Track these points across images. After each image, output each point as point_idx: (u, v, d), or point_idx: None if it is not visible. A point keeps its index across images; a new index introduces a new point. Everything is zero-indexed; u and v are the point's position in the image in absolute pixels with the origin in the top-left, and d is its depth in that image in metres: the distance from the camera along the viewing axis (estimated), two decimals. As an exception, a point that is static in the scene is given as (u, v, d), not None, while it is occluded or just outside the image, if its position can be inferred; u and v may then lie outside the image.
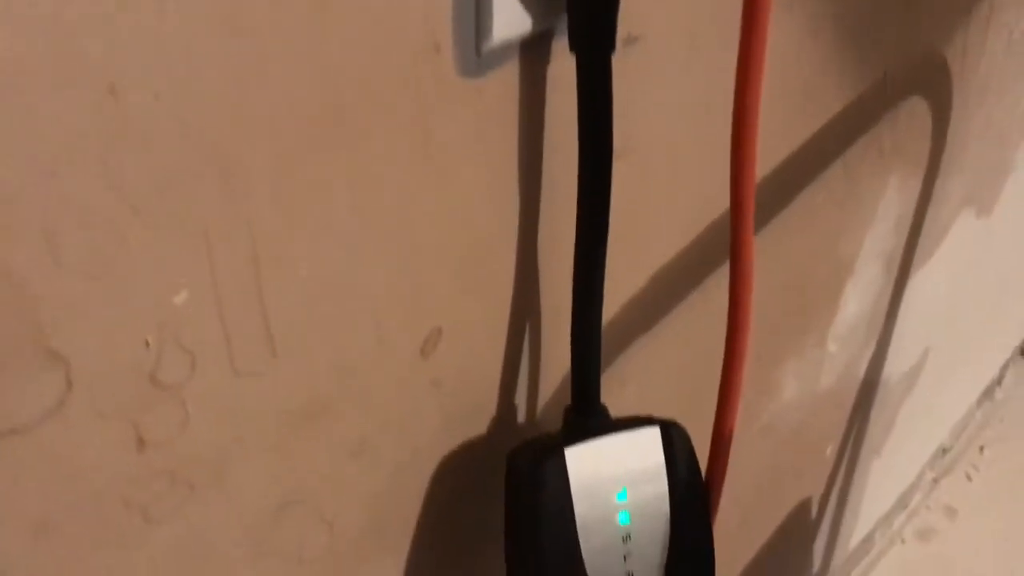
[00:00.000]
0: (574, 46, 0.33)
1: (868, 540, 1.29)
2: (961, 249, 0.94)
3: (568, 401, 0.40)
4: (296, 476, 0.33)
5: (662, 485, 0.39)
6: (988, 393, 1.65)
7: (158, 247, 0.25)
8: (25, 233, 0.22)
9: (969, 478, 1.53)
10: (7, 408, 0.24)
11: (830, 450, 0.91)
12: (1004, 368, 1.69)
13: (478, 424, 0.41)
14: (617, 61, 0.33)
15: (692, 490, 0.40)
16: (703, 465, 0.42)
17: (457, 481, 0.41)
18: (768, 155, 0.52)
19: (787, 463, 0.82)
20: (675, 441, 0.39)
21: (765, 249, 0.57)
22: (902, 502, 1.38)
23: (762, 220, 0.56)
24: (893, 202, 0.72)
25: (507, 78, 0.33)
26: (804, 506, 0.91)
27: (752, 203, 0.35)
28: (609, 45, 0.32)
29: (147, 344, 0.26)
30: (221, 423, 0.30)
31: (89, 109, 0.22)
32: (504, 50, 0.33)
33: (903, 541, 1.41)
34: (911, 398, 1.07)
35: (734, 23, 0.32)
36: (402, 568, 0.42)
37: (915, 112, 0.67)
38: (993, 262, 1.10)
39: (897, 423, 1.07)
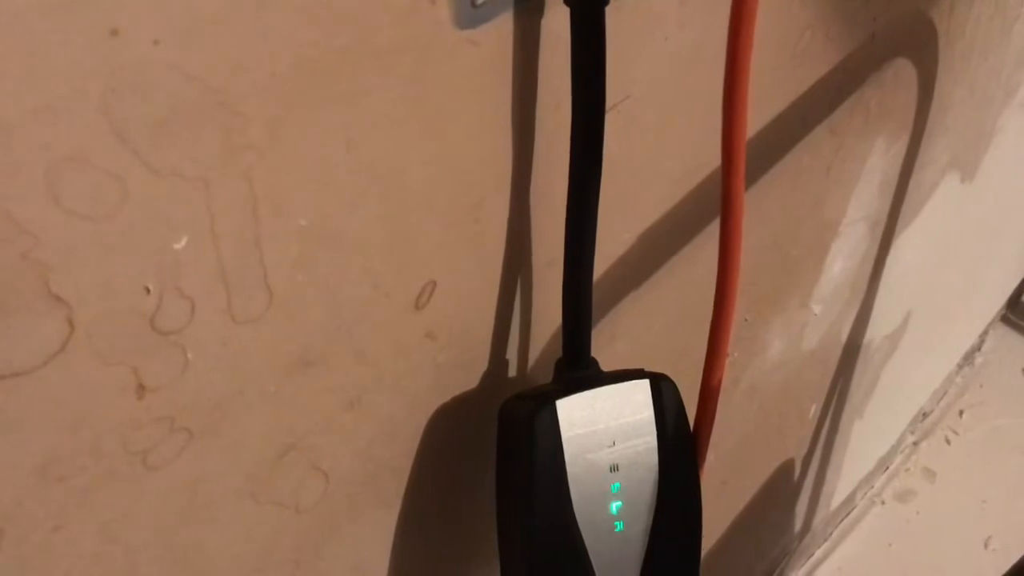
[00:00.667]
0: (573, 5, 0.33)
1: (849, 501, 1.31)
2: (943, 214, 0.94)
3: (559, 354, 0.40)
4: (293, 425, 0.34)
5: (651, 437, 0.40)
6: (968, 358, 1.67)
7: (158, 193, 0.25)
8: (26, 172, 0.23)
9: (948, 441, 1.55)
10: (10, 351, 0.24)
11: (813, 411, 0.92)
12: (984, 334, 1.71)
13: (471, 377, 0.41)
14: (611, 12, 0.33)
15: (680, 442, 0.40)
16: (691, 418, 0.43)
17: (450, 433, 0.42)
18: (756, 115, 0.53)
19: (771, 424, 0.83)
20: (664, 394, 0.40)
21: (750, 210, 0.57)
22: (882, 464, 1.40)
23: (748, 180, 0.56)
24: (878, 165, 0.72)
25: (502, 30, 0.33)
26: (787, 466, 0.92)
27: (743, 157, 0.35)
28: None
29: (147, 290, 0.27)
30: (219, 370, 0.30)
31: (91, 50, 0.22)
32: (499, 1, 0.33)
33: (883, 502, 1.43)
34: (893, 361, 1.08)
35: (727, -24, 0.32)
36: (395, 518, 0.42)
37: (902, 73, 0.67)
38: (973, 228, 1.11)
39: (879, 386, 1.09)
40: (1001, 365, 1.71)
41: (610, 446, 0.39)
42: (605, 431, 0.39)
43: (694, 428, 0.43)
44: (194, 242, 0.27)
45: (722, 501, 0.82)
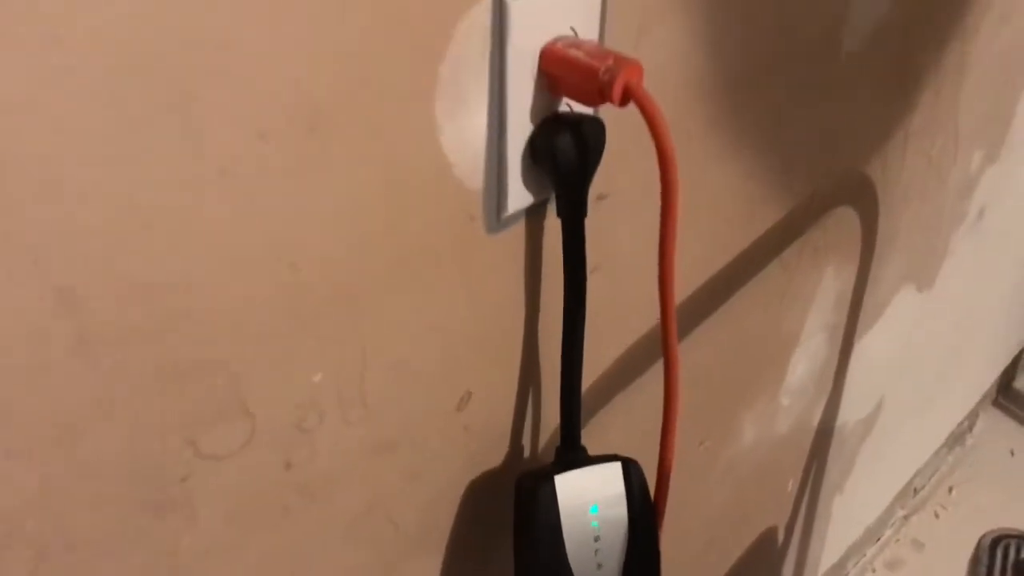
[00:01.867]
0: (559, 213, 0.49)
1: (840, 567, 1.43)
2: (905, 317, 1.09)
3: (559, 442, 0.56)
4: (376, 490, 0.50)
5: (622, 503, 0.55)
6: (959, 439, 1.79)
7: (310, 348, 0.42)
8: (233, 332, 0.39)
9: (937, 515, 1.67)
10: (215, 444, 0.41)
11: (791, 486, 1.06)
12: (974, 416, 1.83)
13: (495, 458, 0.57)
14: (592, 210, 0.50)
15: (643, 508, 0.56)
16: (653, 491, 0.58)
17: (480, 499, 0.57)
18: (718, 258, 0.69)
19: (751, 496, 0.97)
20: (631, 472, 0.55)
21: (718, 328, 0.73)
22: (872, 535, 1.52)
23: (714, 306, 0.72)
24: (831, 287, 0.88)
25: (518, 233, 0.50)
26: (770, 533, 1.06)
27: (674, 324, 0.51)
28: (582, 213, 0.49)
29: (296, 406, 0.43)
30: (333, 454, 0.46)
31: (275, 279, 0.39)
32: (515, 215, 0.49)
33: (873, 570, 1.55)
34: (869, 442, 1.22)
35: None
36: (440, 562, 0.58)
37: (843, 217, 0.83)
38: (943, 325, 1.25)
39: (857, 464, 1.22)
40: (991, 446, 1.83)
41: (592, 509, 0.54)
42: (589, 498, 0.54)
43: (654, 497, 0.58)
44: (326, 376, 0.43)
45: (709, 559, 0.96)
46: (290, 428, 0.43)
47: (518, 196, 0.48)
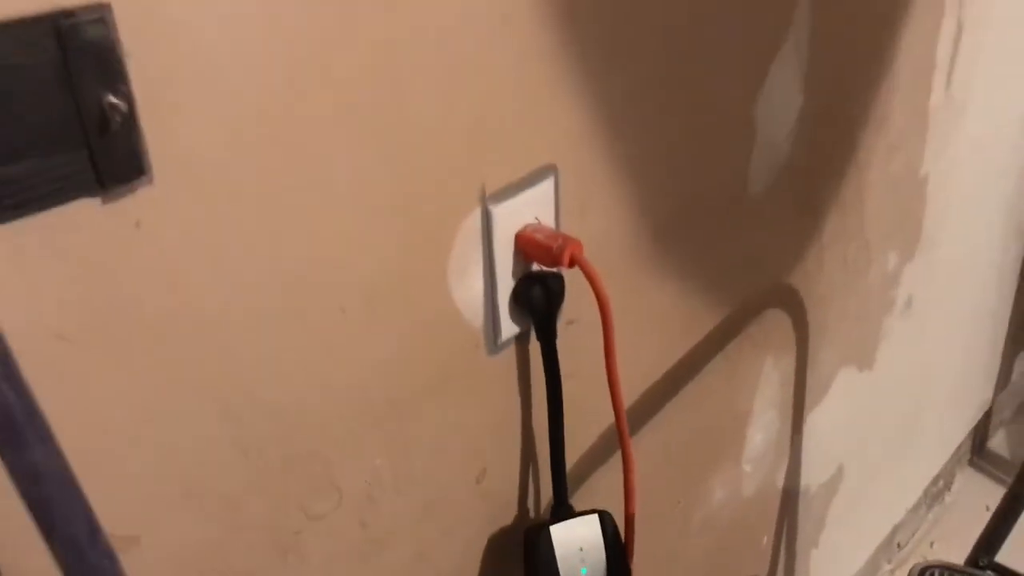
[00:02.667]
0: (538, 338, 0.70)
1: (830, 618, 1.58)
2: (851, 393, 1.28)
3: (552, 502, 0.76)
4: (421, 543, 0.70)
5: (600, 543, 0.74)
6: (937, 497, 1.95)
7: (374, 442, 0.62)
8: (327, 434, 0.60)
9: (920, 568, 1.82)
10: (317, 508, 0.61)
11: (766, 541, 1.24)
12: (950, 476, 1.99)
13: (508, 516, 0.77)
14: (564, 333, 0.70)
15: (616, 546, 0.75)
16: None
17: (498, 547, 0.77)
18: (670, 356, 0.89)
19: (728, 548, 1.15)
20: (606, 520, 0.75)
21: (680, 410, 0.93)
22: (860, 587, 1.68)
23: (673, 393, 0.92)
24: (772, 373, 1.08)
25: (511, 354, 0.71)
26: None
27: (623, 413, 0.71)
28: (553, 337, 0.70)
29: (366, 482, 0.63)
30: (392, 516, 0.66)
31: (352, 399, 0.60)
32: (507, 341, 0.70)
33: (864, 620, 1.70)
34: (837, 503, 1.39)
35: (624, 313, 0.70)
36: (472, 597, 0.77)
37: (774, 317, 1.04)
38: (895, 398, 1.44)
39: (829, 522, 1.40)
40: (968, 503, 1.99)
41: (580, 550, 0.74)
42: (577, 541, 0.74)
43: (624, 537, 0.77)
44: (383, 462, 0.64)
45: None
46: (363, 497, 0.63)
47: (508, 329, 0.69)
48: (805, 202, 1.01)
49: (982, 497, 2.01)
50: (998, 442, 2.18)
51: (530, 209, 0.67)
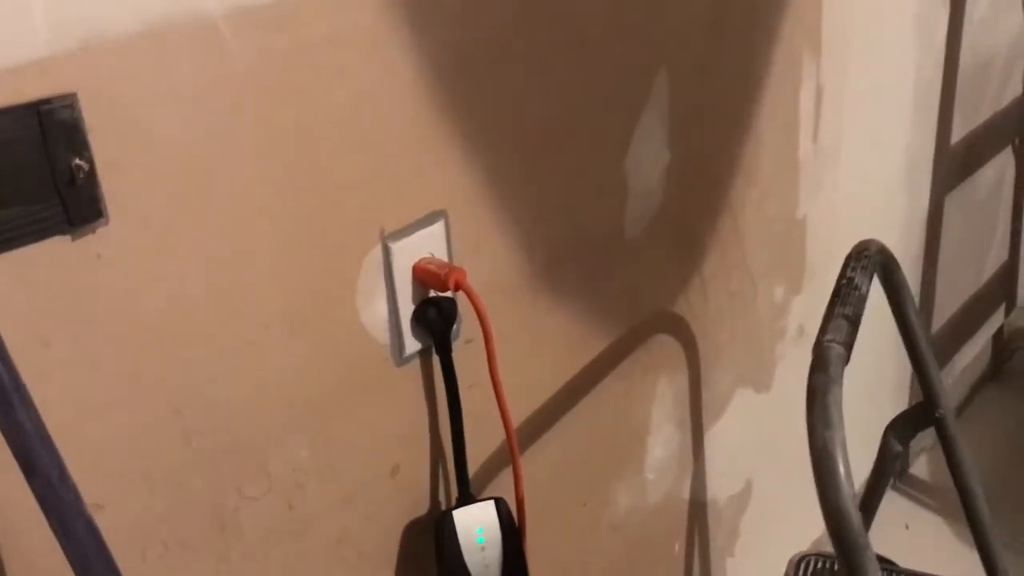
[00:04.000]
0: (437, 352, 0.84)
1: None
2: (749, 413, 1.42)
3: (457, 493, 0.89)
4: (344, 528, 0.82)
5: (497, 526, 0.87)
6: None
7: (299, 438, 0.76)
8: (261, 429, 0.73)
9: (843, 582, 1.94)
10: (251, 491, 0.74)
11: (678, 548, 1.36)
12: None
13: (423, 506, 0.90)
14: (464, 349, 0.85)
15: (510, 529, 0.88)
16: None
17: (414, 532, 0.89)
18: (565, 372, 1.03)
19: (641, 553, 1.27)
20: (500, 506, 0.88)
21: (580, 419, 1.06)
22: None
23: (569, 405, 1.06)
24: (667, 391, 1.22)
25: (415, 366, 0.85)
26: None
27: (510, 419, 0.85)
28: (449, 351, 0.84)
29: (294, 470, 0.76)
30: (317, 501, 0.79)
31: (281, 401, 0.74)
32: (411, 355, 0.84)
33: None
34: (750, 515, 1.52)
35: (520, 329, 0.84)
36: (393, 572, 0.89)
37: (663, 341, 1.18)
38: (795, 420, 1.57)
39: (742, 533, 1.52)
40: (889, 522, 2.11)
41: (479, 530, 0.87)
42: (476, 523, 0.87)
43: (517, 520, 0.90)
44: (309, 455, 0.77)
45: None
46: (290, 483, 0.77)
47: (411, 344, 0.83)
48: (682, 242, 1.16)
49: (902, 517, 2.15)
50: (919, 467, 2.32)
51: (425, 245, 0.82)
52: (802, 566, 1.13)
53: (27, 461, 0.51)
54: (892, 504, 2.18)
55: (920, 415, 1.04)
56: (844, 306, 0.77)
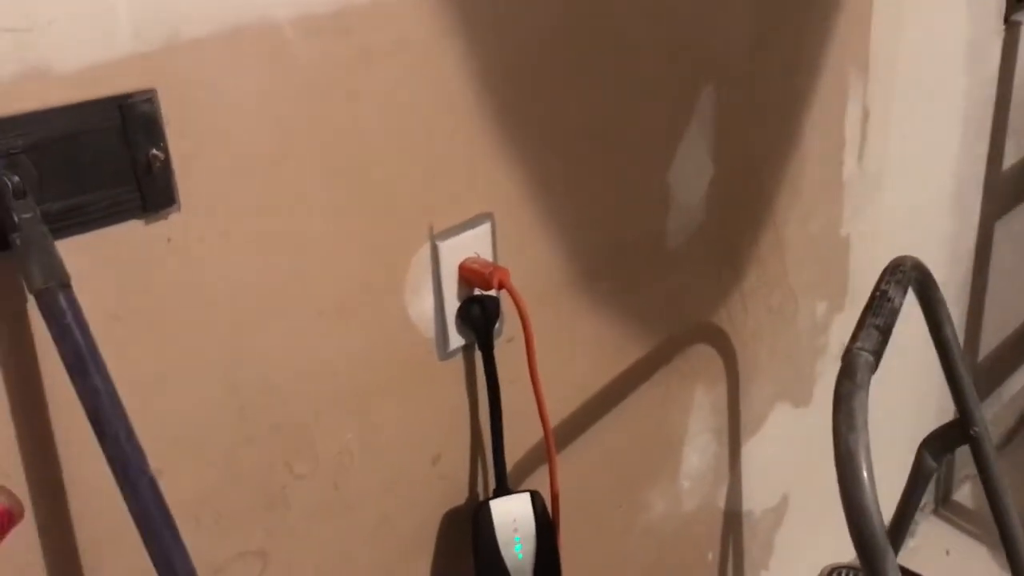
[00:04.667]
0: (480, 348, 0.88)
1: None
2: (786, 427, 1.43)
3: (495, 484, 0.92)
4: (386, 511, 0.86)
5: (531, 518, 0.90)
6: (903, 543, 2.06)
7: (346, 422, 0.80)
8: (310, 411, 0.77)
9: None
10: (300, 468, 0.78)
11: (711, 556, 1.38)
12: (914, 524, 2.10)
13: (461, 495, 0.93)
14: (505, 347, 0.88)
15: (544, 522, 0.91)
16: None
17: (453, 520, 0.93)
18: (601, 377, 1.06)
19: (673, 560, 1.29)
20: (536, 498, 0.91)
21: (613, 422, 1.09)
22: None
23: (607, 407, 1.08)
24: (704, 401, 1.24)
25: (458, 360, 0.88)
26: (699, 594, 1.37)
27: (546, 414, 0.88)
28: (491, 348, 0.87)
29: (339, 452, 0.80)
30: (360, 483, 0.83)
31: (330, 388, 0.78)
32: (455, 351, 0.88)
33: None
34: (785, 530, 1.53)
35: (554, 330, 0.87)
36: (429, 562, 0.92)
37: (702, 351, 1.20)
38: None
39: (777, 547, 1.53)
40: (928, 549, 2.09)
41: (514, 521, 0.90)
42: (513, 515, 0.90)
43: (552, 514, 0.93)
44: (353, 437, 0.81)
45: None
46: (336, 464, 0.81)
47: (455, 339, 0.87)
48: (724, 255, 1.18)
49: (943, 543, 2.12)
50: (963, 495, 2.29)
51: (471, 245, 0.85)
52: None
53: (99, 422, 0.55)
54: (934, 529, 2.15)
55: (955, 433, 1.05)
56: (876, 316, 0.78)
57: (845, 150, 1.33)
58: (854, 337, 0.76)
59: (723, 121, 1.09)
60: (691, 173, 1.07)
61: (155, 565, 0.57)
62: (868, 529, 0.64)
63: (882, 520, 0.67)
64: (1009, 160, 1.81)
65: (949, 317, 0.99)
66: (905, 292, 0.84)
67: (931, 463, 1.05)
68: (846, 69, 1.27)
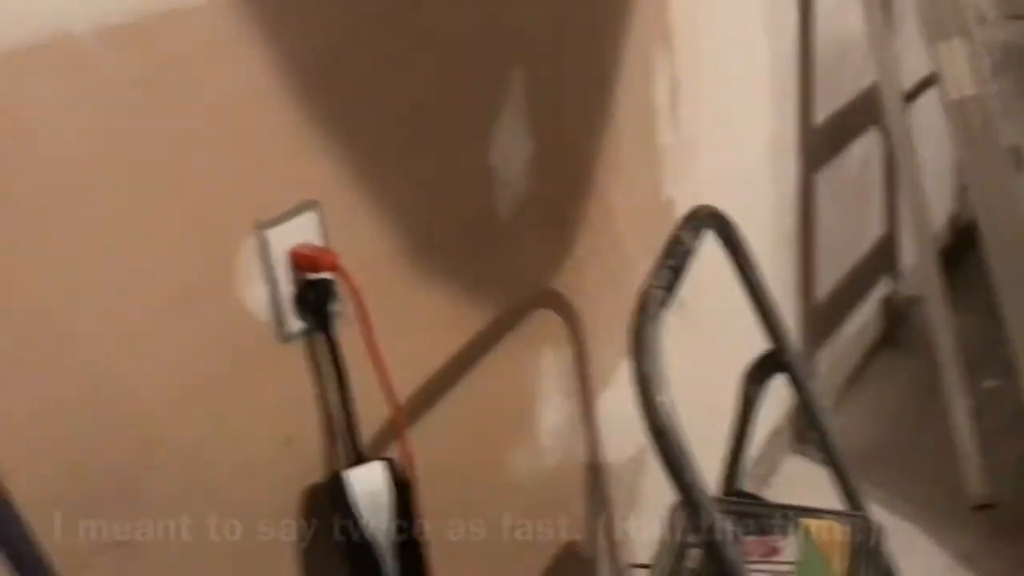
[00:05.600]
0: (319, 329, 0.93)
1: None
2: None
3: (353, 456, 0.98)
4: (253, 493, 0.90)
5: (389, 484, 0.96)
6: (765, 480, 2.20)
7: (206, 409, 0.84)
8: (161, 403, 0.81)
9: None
10: (155, 457, 0.82)
11: (578, 508, 1.46)
12: (775, 462, 2.24)
13: (318, 472, 0.98)
14: (350, 329, 0.93)
15: (402, 486, 0.97)
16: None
17: (312, 498, 0.98)
18: (448, 347, 1.12)
19: (540, 515, 1.37)
20: (392, 465, 0.97)
21: (466, 390, 1.15)
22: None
23: (458, 376, 1.15)
24: (553, 363, 1.32)
25: (299, 342, 0.93)
26: (570, 546, 1.45)
27: (391, 385, 0.94)
28: (328, 326, 0.93)
29: (197, 438, 0.84)
30: (230, 464, 0.87)
31: (179, 374, 0.82)
32: (296, 333, 0.93)
33: None
34: (646, 476, 1.62)
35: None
36: (295, 527, 0.97)
37: (545, 316, 1.28)
38: (687, 389, 1.69)
39: (641, 493, 1.62)
40: (792, 486, 2.24)
41: (372, 490, 0.96)
42: (368, 481, 0.95)
43: (406, 477, 0.99)
44: (211, 426, 0.85)
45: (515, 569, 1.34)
46: (190, 454, 0.85)
47: (294, 324, 0.92)
48: (555, 225, 1.26)
49: (802, 478, 2.27)
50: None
51: (300, 232, 0.90)
52: (677, 511, 1.23)
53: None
54: (795, 467, 2.30)
55: (770, 362, 1.16)
56: (670, 259, 0.87)
57: (659, 118, 1.43)
58: (649, 276, 0.84)
59: (536, 99, 1.16)
60: (511, 150, 1.15)
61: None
62: (665, 442, 0.73)
63: (681, 433, 0.75)
64: (821, 116, 1.97)
65: (750, 256, 1.09)
66: (698, 236, 0.93)
67: (753, 391, 1.15)
68: (649, 42, 1.37)
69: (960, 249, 2.60)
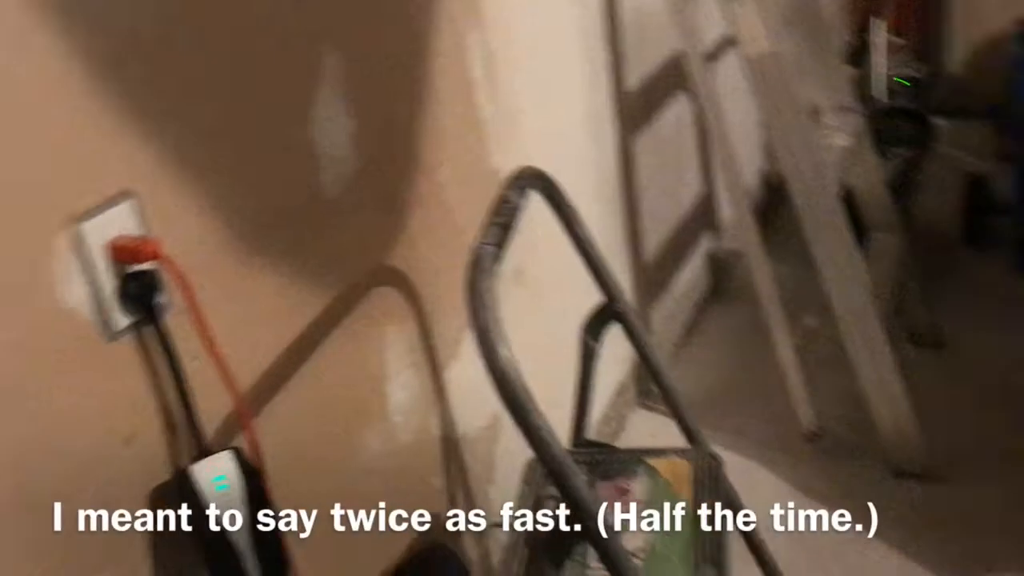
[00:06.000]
0: (148, 323, 0.90)
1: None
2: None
3: (197, 450, 0.95)
4: (102, 493, 0.87)
5: (237, 470, 0.94)
6: (614, 437, 2.28)
7: (32, 399, 0.80)
8: (-21, 418, 0.77)
9: (607, 495, 2.13)
10: (-20, 474, 0.77)
11: (437, 482, 1.48)
12: (622, 418, 2.33)
13: (164, 470, 0.95)
14: (182, 322, 0.91)
15: (250, 473, 0.95)
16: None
17: (160, 497, 0.95)
18: (291, 331, 1.11)
19: (400, 492, 1.37)
20: (238, 455, 0.95)
21: (312, 374, 1.14)
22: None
23: (300, 361, 1.14)
24: (397, 340, 1.32)
25: (129, 340, 0.90)
26: (433, 519, 1.46)
27: (233, 381, 0.92)
28: (158, 319, 0.90)
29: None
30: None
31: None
32: (124, 330, 0.89)
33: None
34: (501, 443, 1.66)
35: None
36: (147, 544, 0.94)
37: (385, 294, 1.29)
38: (529, 354, 1.73)
39: (498, 461, 1.66)
40: (640, 439, 2.33)
41: (218, 478, 0.94)
42: (216, 473, 0.93)
43: (254, 465, 0.97)
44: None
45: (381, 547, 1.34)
46: (15, 462, 0.80)
47: (120, 319, 0.89)
48: (385, 201, 1.27)
49: (648, 429, 2.36)
50: (663, 385, 2.56)
51: (117, 224, 0.87)
52: (533, 465, 1.26)
53: None
54: (642, 422, 2.40)
55: (605, 313, 1.20)
56: (499, 217, 0.90)
57: (477, 90, 1.45)
58: (481, 235, 0.86)
59: (352, 77, 1.16)
60: (332, 127, 1.14)
61: None
62: (508, 388, 0.75)
63: (522, 381, 0.78)
64: (633, 82, 2.05)
65: (576, 214, 1.13)
66: (523, 195, 0.96)
67: (592, 342, 1.19)
68: (459, 17, 1.39)
69: (774, 202, 2.77)
